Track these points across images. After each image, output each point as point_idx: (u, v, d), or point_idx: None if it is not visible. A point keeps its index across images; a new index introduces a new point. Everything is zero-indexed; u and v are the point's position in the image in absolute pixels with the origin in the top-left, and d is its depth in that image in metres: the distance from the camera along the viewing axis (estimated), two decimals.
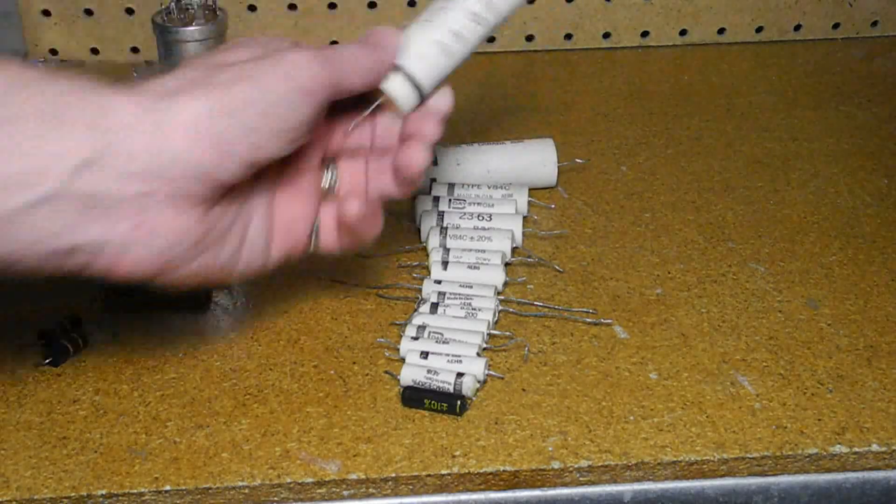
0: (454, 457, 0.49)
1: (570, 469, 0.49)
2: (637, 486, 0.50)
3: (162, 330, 0.57)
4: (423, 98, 0.52)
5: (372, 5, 0.88)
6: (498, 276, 0.59)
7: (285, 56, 0.45)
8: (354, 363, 0.54)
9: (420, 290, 0.58)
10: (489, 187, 0.66)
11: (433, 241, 0.61)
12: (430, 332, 0.54)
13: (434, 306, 0.57)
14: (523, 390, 0.53)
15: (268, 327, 0.57)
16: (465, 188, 0.65)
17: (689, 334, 0.57)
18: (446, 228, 0.62)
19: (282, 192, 0.50)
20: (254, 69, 0.44)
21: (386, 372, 0.54)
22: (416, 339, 0.54)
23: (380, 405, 0.52)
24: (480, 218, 0.63)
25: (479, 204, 0.64)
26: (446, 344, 0.53)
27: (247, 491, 0.48)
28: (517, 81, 0.87)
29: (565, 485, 0.49)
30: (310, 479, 0.48)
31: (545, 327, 0.57)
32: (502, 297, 0.59)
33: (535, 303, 0.58)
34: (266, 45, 0.46)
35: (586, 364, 0.55)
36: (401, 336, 0.55)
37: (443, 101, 0.52)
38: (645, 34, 0.91)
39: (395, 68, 0.51)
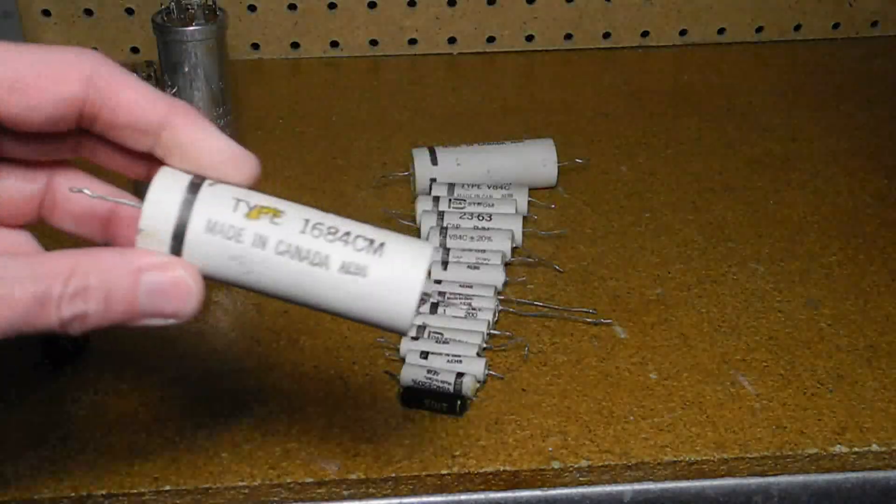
0: (454, 457, 0.49)
1: (570, 469, 0.49)
2: (637, 486, 0.50)
3: (162, 330, 0.57)
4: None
5: (372, 5, 0.88)
6: (498, 276, 0.59)
7: None
8: (354, 363, 0.54)
9: None
10: (489, 187, 0.66)
11: (433, 241, 0.61)
12: (430, 332, 0.54)
13: (434, 306, 0.57)
14: (523, 390, 0.53)
15: (268, 327, 0.57)
16: (465, 188, 0.65)
17: (689, 334, 0.57)
18: (446, 228, 0.62)
19: None
20: None
21: (386, 372, 0.54)
22: (416, 339, 0.54)
23: (380, 405, 0.52)
24: (480, 218, 0.63)
25: (479, 204, 0.64)
26: (446, 344, 0.53)
27: (247, 491, 0.48)
28: (517, 81, 0.87)
29: (565, 485, 0.49)
30: (310, 479, 0.48)
31: (545, 327, 0.57)
32: (502, 297, 0.59)
33: (535, 303, 0.58)
34: None
35: (586, 364, 0.55)
36: (401, 336, 0.55)
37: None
38: (645, 34, 0.91)
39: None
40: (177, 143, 0.35)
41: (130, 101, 0.35)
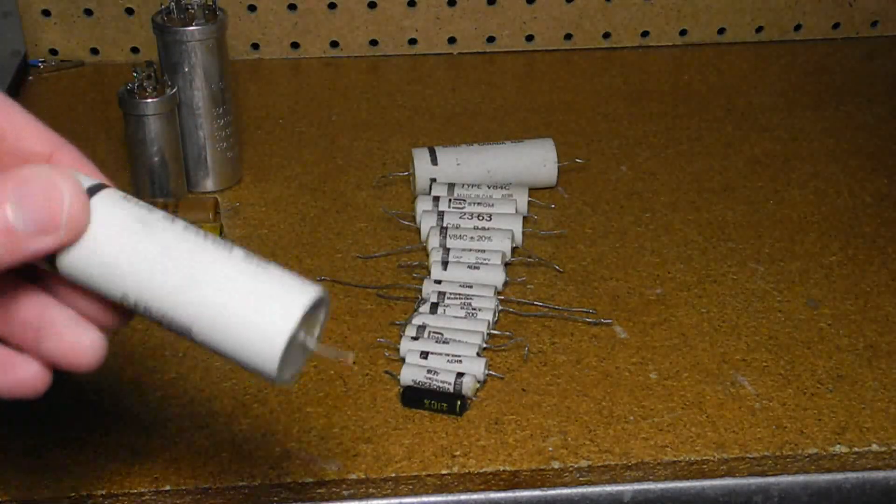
0: (454, 457, 0.49)
1: (570, 469, 0.49)
2: (637, 486, 0.50)
3: (162, 330, 0.57)
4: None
5: (372, 5, 0.88)
6: (498, 276, 0.59)
7: None
8: (354, 363, 0.54)
9: (420, 290, 0.58)
10: (489, 187, 0.66)
11: (433, 241, 0.61)
12: (430, 332, 0.54)
13: (434, 306, 0.57)
14: (523, 390, 0.53)
15: None
16: (465, 188, 0.65)
17: (689, 334, 0.57)
18: (446, 228, 0.62)
19: None
20: None
21: (386, 372, 0.54)
22: (416, 339, 0.54)
23: (380, 405, 0.52)
24: (480, 218, 0.63)
25: (479, 204, 0.64)
26: (446, 344, 0.53)
27: (247, 491, 0.48)
28: (517, 81, 0.87)
29: (565, 485, 0.49)
30: (310, 479, 0.48)
31: (545, 327, 0.57)
32: (502, 297, 0.59)
33: (535, 303, 0.58)
34: None
35: (586, 364, 0.55)
36: (401, 336, 0.55)
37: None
38: (645, 34, 0.91)
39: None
40: None
41: (19, 129, 0.33)
